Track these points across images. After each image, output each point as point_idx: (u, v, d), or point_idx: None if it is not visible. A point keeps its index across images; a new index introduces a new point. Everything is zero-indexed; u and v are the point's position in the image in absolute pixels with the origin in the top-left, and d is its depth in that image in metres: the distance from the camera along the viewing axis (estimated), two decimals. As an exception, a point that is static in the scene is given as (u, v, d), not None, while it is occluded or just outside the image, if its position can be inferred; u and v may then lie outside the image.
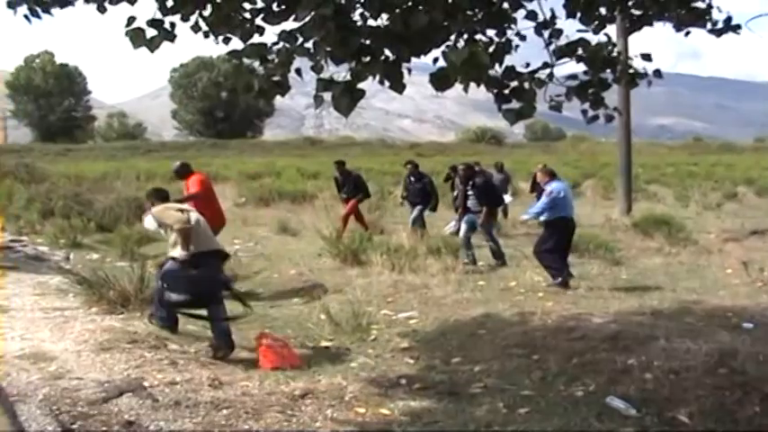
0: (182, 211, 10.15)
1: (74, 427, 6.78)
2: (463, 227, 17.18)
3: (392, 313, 12.05)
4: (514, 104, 5.97)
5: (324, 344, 10.29)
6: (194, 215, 10.28)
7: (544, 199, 14.38)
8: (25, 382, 7.97)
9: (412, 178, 21.67)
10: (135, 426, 6.85)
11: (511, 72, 6.05)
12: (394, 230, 20.40)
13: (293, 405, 7.58)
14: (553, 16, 6.29)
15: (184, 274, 9.72)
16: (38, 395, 7.52)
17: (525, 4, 6.21)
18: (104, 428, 6.76)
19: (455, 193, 20.41)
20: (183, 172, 14.41)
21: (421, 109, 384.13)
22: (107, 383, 7.95)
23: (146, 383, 7.98)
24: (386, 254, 15.73)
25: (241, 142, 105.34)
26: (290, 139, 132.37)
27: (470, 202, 17.11)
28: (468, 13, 5.83)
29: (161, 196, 11.00)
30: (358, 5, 5.75)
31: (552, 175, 14.87)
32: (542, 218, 14.50)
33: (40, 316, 11.29)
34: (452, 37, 5.75)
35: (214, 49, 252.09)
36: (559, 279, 13.93)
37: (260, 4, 6.16)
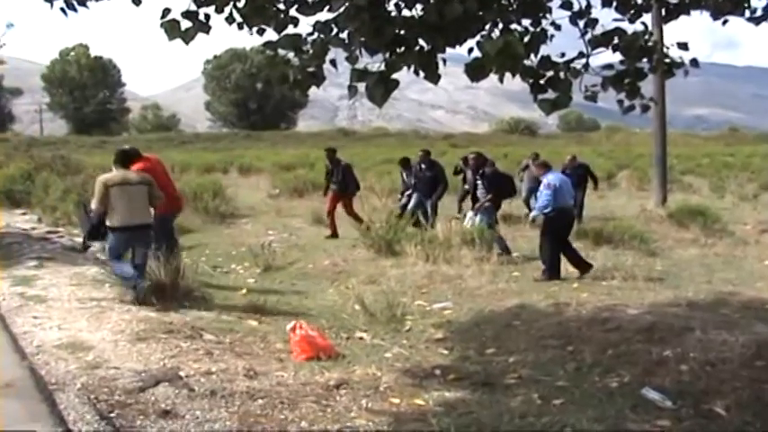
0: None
1: (111, 415, 6.83)
2: (480, 219, 16.89)
3: (426, 304, 12.04)
4: (550, 95, 5.94)
5: (358, 334, 10.24)
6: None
7: (546, 192, 14.22)
8: (63, 371, 8.05)
9: (422, 165, 20.89)
10: (171, 415, 6.88)
11: (546, 62, 6.01)
12: (428, 221, 20.37)
13: (328, 395, 7.60)
14: (588, 5, 6.24)
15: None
16: (76, 384, 7.59)
17: (561, -7, 6.19)
18: (141, 417, 6.80)
19: (466, 186, 20.30)
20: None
21: (454, 100, 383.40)
22: (143, 373, 8.00)
23: (182, 373, 8.02)
24: (420, 244, 15.71)
25: (274, 133, 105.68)
26: (323, 130, 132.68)
27: (479, 192, 16.95)
28: (503, 2, 5.81)
29: (119, 160, 12.24)
30: (393, -5, 5.75)
31: (547, 167, 14.94)
32: (546, 211, 14.33)
33: (77, 306, 11.37)
34: (487, 27, 5.74)
35: (247, 40, 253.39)
36: (547, 274, 14.00)
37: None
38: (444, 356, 9.32)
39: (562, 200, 14.27)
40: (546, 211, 14.21)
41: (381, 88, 5.49)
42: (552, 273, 13.92)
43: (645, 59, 6.52)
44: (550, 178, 14.30)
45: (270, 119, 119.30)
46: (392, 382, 8.08)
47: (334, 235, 19.90)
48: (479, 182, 16.98)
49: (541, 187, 14.38)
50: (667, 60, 6.79)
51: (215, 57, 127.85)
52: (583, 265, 14.14)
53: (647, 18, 7.01)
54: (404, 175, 21.82)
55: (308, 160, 50.87)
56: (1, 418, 6.67)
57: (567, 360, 8.78)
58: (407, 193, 21.07)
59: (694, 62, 6.67)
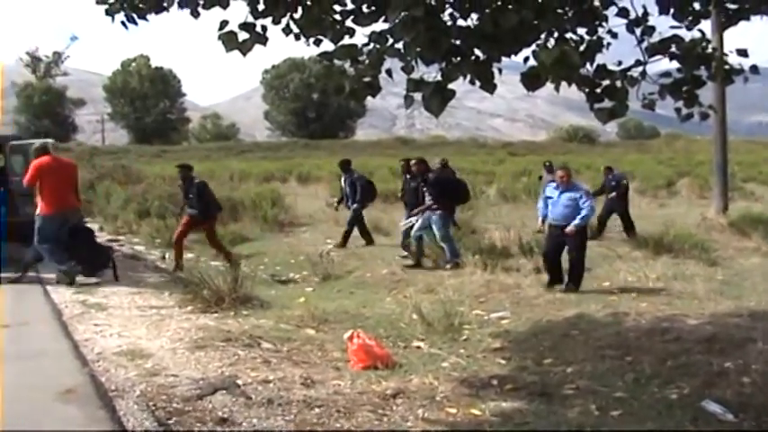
0: None
1: (169, 422, 6.91)
2: (419, 224, 16.75)
3: (484, 313, 11.97)
4: (607, 103, 5.90)
5: (416, 343, 10.18)
6: None
7: (590, 202, 13.73)
8: (123, 378, 8.17)
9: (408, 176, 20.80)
10: (228, 423, 6.94)
11: (602, 71, 5.98)
12: (486, 230, 20.29)
13: (384, 404, 7.59)
14: (645, 13, 6.18)
15: None
16: (135, 391, 7.69)
17: (616, 1, 6.13)
18: (199, 425, 6.86)
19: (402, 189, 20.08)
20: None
21: (513, 108, 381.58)
22: (202, 381, 8.08)
23: (239, 381, 8.08)
24: (478, 253, 15.67)
25: (333, 142, 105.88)
26: (381, 138, 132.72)
27: (427, 199, 16.77)
28: (559, 11, 5.78)
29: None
30: (448, 6, 5.75)
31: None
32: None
33: (137, 314, 11.53)
34: (542, 36, 5.72)
35: (305, 50, 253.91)
36: (578, 284, 13.63)
37: (350, 6, 6.20)
38: (501, 366, 9.25)
39: None
40: (581, 221, 13.67)
41: (438, 98, 5.50)
42: (579, 284, 13.61)
43: (703, 67, 6.44)
44: (585, 188, 14.05)
45: (328, 128, 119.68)
46: (449, 391, 8.05)
47: (178, 267, 16.69)
48: (424, 189, 16.92)
49: (584, 197, 13.63)
50: (726, 67, 6.69)
51: (273, 66, 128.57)
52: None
53: (706, 25, 6.96)
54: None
55: (367, 169, 50.90)
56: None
57: (625, 371, 8.67)
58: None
59: (754, 69, 6.54)
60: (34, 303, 12.57)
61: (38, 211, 14.25)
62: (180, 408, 7.27)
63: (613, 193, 21.81)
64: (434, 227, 16.48)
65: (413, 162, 18.27)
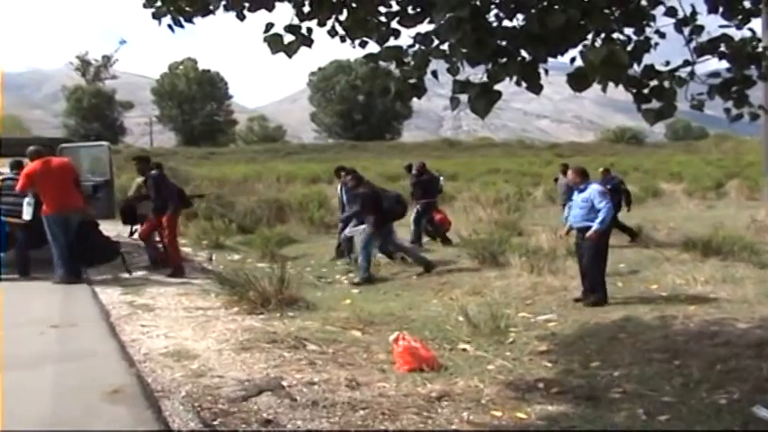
0: None
1: (214, 423, 6.94)
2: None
3: (530, 316, 11.93)
4: (654, 104, 5.83)
5: (461, 346, 10.15)
6: None
7: (606, 201, 12.97)
8: (169, 378, 8.22)
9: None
10: (273, 424, 6.95)
11: (650, 71, 5.91)
12: (533, 232, 20.22)
13: (429, 407, 7.57)
14: (694, 12, 6.09)
15: None
16: (181, 392, 7.74)
17: (664, 0, 6.06)
18: (244, 426, 6.88)
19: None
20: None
21: (560, 109, 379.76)
22: (247, 382, 8.10)
23: (284, 383, 8.10)
24: (524, 255, 15.61)
25: (379, 144, 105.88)
26: (428, 140, 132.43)
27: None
28: (606, 11, 5.72)
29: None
30: (493, 6, 5.71)
31: (586, 175, 13.64)
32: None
33: (184, 315, 11.61)
34: (589, 36, 5.66)
35: (351, 52, 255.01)
36: (600, 295, 12.93)
37: (395, 8, 6.19)
38: (548, 369, 9.20)
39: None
40: (600, 225, 12.93)
41: (484, 100, 5.47)
42: (602, 294, 12.94)
43: (753, 66, 6.34)
44: (597, 188, 13.28)
45: (375, 129, 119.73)
46: (494, 394, 8.02)
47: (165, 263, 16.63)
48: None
49: (598, 197, 12.96)
50: (777, 67, 6.58)
51: (320, 69, 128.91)
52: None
53: (756, 23, 6.85)
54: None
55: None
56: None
57: (673, 375, 8.59)
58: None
59: (806, 68, 6.45)
60: (83, 304, 12.70)
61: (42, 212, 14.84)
62: (225, 409, 7.30)
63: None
64: (357, 238, 16.59)
65: (345, 173, 18.40)
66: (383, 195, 16.85)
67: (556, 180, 24.14)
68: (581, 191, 13.20)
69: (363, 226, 16.52)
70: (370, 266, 15.96)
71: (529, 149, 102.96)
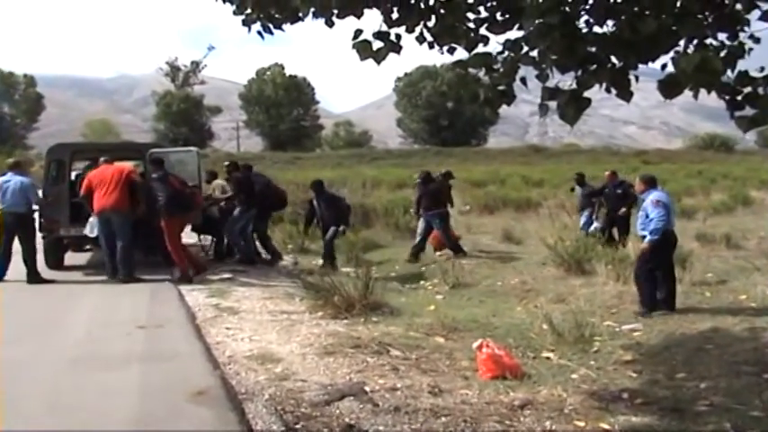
0: None
1: (297, 427, 6.98)
2: None
3: (615, 325, 11.78)
4: (748, 111, 5.71)
5: (545, 354, 10.07)
6: None
7: (658, 210, 12.70)
8: (253, 381, 8.29)
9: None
10: (355, 429, 6.96)
11: (744, 77, 5.78)
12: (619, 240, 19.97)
13: (512, 415, 7.51)
14: (791, 16, 5.97)
15: None
16: (264, 395, 7.80)
17: (760, 4, 5.92)
18: (326, 430, 6.91)
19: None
20: None
21: (647, 116, 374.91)
22: (330, 386, 8.13)
23: (367, 388, 8.10)
24: (610, 263, 15.43)
25: (465, 150, 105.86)
26: (514, 146, 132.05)
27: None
28: (699, 16, 5.62)
29: None
30: (583, 12, 5.66)
31: (653, 183, 13.35)
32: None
33: (268, 319, 11.69)
34: (681, 42, 5.57)
35: (438, 58, 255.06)
36: (648, 306, 12.67)
37: (483, 14, 6.17)
38: (632, 379, 9.08)
39: (672, 221, 13.08)
40: (653, 235, 12.71)
41: (573, 107, 5.42)
42: (652, 304, 12.66)
43: None
44: (657, 195, 12.95)
45: (461, 135, 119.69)
46: (578, 404, 7.93)
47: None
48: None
49: (650, 206, 12.80)
50: None
51: (406, 74, 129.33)
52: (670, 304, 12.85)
53: None
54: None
55: (499, 177, 50.80)
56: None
57: (762, 388, 8.40)
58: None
59: None
60: (169, 306, 12.88)
61: None
62: (307, 412, 7.34)
63: (622, 208, 20.14)
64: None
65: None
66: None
67: (572, 190, 23.64)
68: (644, 199, 13.13)
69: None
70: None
71: (615, 156, 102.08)
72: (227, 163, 19.51)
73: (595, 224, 19.63)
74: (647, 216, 12.75)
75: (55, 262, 17.18)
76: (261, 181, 18.86)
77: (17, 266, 15.49)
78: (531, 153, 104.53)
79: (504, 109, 6.11)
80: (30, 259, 15.59)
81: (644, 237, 12.87)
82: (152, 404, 7.56)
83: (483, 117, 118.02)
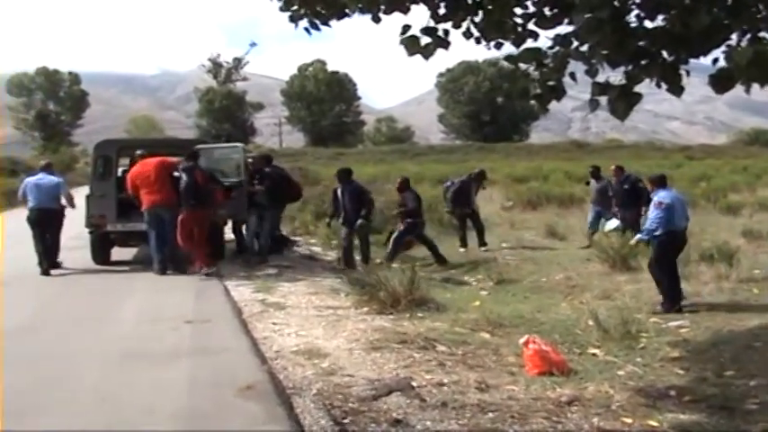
0: None
1: (345, 421, 7.00)
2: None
3: (662, 321, 11.68)
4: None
5: (591, 350, 10.02)
6: None
7: (656, 211, 12.67)
8: (300, 376, 8.33)
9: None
10: (402, 424, 6.96)
11: (798, 72, 5.73)
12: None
13: (559, 411, 7.48)
14: None
15: None
16: (312, 389, 7.83)
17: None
18: (373, 425, 6.92)
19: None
20: None
21: (691, 111, 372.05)
22: (377, 381, 8.14)
23: (414, 383, 8.11)
24: (656, 260, 15.32)
25: (507, 145, 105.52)
26: (556, 142, 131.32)
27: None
28: (752, 9, 5.57)
29: None
30: (634, 7, 5.63)
31: (661, 183, 13.23)
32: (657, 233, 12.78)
33: (314, 314, 11.74)
34: (733, 36, 5.52)
35: (480, 53, 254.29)
36: (668, 305, 12.46)
37: (531, 9, 6.16)
38: (680, 377, 9.00)
39: (678, 221, 12.84)
40: (657, 233, 12.69)
41: (624, 102, 5.40)
42: (674, 303, 12.47)
43: None
44: (662, 196, 12.83)
45: (503, 131, 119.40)
46: (625, 400, 7.88)
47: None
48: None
49: (651, 207, 12.87)
50: None
51: (448, 70, 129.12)
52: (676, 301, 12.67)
53: None
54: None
55: (542, 172, 50.56)
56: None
57: (813, 386, 8.33)
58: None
59: None
60: (215, 301, 12.98)
61: None
62: (355, 407, 7.36)
63: (632, 207, 18.93)
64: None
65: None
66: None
67: (587, 183, 23.18)
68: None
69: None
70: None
71: (659, 151, 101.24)
72: (250, 159, 19.28)
73: (615, 223, 19.14)
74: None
75: (102, 257, 17.38)
76: (278, 173, 18.77)
77: (67, 266, 16.05)
78: (573, 149, 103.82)
79: (546, 104, 6.09)
80: (53, 252, 16.79)
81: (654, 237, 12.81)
82: (201, 399, 7.62)
83: (525, 113, 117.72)
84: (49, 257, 16.50)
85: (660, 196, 12.78)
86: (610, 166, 21.22)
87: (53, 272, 16.23)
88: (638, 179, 19.48)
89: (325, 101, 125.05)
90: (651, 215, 12.74)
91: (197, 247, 15.90)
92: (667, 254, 12.82)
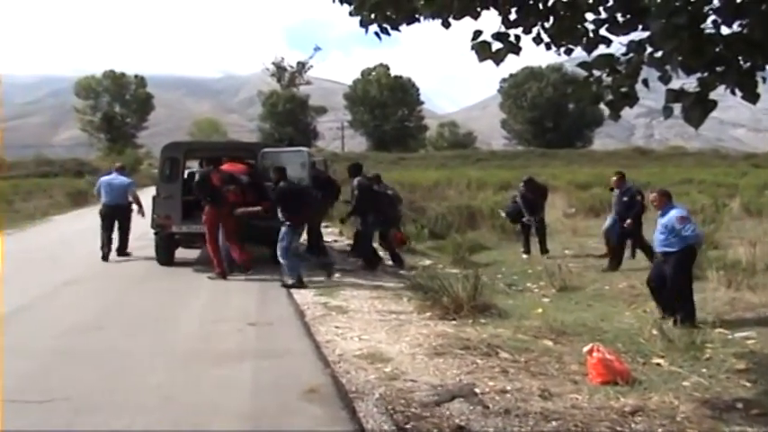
0: None
1: (407, 426, 7.02)
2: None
3: (728, 332, 11.53)
4: None
5: (655, 360, 9.91)
6: None
7: (689, 225, 12.23)
8: (363, 380, 8.38)
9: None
10: (465, 431, 6.96)
11: None
12: (730, 245, 19.58)
13: (623, 421, 7.45)
14: None
15: None
16: (374, 394, 7.87)
17: None
18: (436, 431, 6.91)
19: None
20: None
21: (757, 118, 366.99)
22: (440, 387, 8.16)
23: (477, 390, 8.12)
24: (722, 269, 15.13)
25: (570, 152, 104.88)
26: (619, 149, 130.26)
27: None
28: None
29: None
30: (711, 13, 5.55)
31: (670, 198, 12.93)
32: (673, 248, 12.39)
33: (377, 318, 11.78)
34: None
35: (543, 58, 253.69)
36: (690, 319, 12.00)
37: (603, 15, 6.11)
38: (746, 389, 8.88)
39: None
40: (674, 249, 12.33)
41: (699, 109, 5.33)
42: (691, 316, 12.06)
43: None
44: (680, 211, 12.53)
45: (565, 137, 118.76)
46: (690, 412, 7.81)
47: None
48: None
49: (677, 223, 12.24)
50: None
51: (511, 75, 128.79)
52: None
53: None
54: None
55: (604, 179, 50.13)
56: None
57: None
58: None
59: None
60: (278, 304, 13.07)
61: None
62: (417, 413, 7.38)
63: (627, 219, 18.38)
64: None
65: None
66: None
67: (612, 189, 22.63)
68: (662, 215, 12.67)
69: None
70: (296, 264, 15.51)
71: (724, 159, 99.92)
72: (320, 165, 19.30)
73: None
74: (671, 233, 12.31)
75: (166, 258, 17.60)
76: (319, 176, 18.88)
77: (132, 266, 16.30)
78: (636, 155, 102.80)
79: (608, 110, 6.04)
80: (124, 239, 19.73)
81: (666, 253, 12.45)
82: (264, 400, 7.69)
83: (588, 119, 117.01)
84: (119, 247, 19.46)
85: (679, 211, 12.53)
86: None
87: (118, 270, 16.97)
88: (639, 191, 19.14)
89: (387, 105, 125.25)
90: (688, 232, 12.22)
91: (233, 244, 16.23)
92: (688, 268, 12.53)
